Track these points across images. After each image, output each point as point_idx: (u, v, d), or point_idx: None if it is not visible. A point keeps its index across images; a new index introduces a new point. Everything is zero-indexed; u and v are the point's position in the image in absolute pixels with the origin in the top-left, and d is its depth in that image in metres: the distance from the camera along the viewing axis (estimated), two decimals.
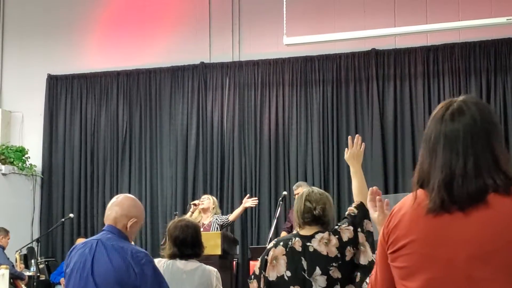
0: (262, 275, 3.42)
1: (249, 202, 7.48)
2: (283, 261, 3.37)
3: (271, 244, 3.50)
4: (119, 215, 3.41)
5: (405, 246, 1.79)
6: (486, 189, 1.72)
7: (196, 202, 7.37)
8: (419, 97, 8.97)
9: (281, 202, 7.80)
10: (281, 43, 8.77)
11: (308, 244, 3.35)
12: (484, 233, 1.70)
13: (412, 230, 1.78)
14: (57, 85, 10.53)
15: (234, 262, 8.25)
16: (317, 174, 9.11)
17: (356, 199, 3.54)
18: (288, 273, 3.34)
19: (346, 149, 3.67)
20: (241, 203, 9.26)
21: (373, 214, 2.31)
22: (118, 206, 3.45)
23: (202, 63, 9.86)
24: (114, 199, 3.52)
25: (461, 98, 1.86)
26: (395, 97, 9.06)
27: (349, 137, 3.68)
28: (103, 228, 3.46)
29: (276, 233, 8.84)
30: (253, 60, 9.66)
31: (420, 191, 1.81)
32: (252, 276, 3.49)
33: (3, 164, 9.85)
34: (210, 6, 10.04)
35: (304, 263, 3.32)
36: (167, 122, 9.95)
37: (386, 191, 8.64)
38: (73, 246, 3.53)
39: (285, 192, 8.30)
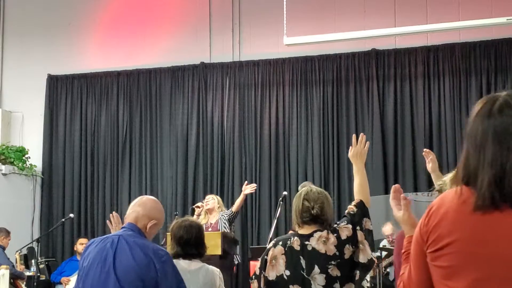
0: (262, 275, 3.42)
1: (248, 188, 7.47)
2: (282, 260, 3.37)
3: (271, 244, 3.52)
4: (141, 215, 3.45)
5: (449, 244, 1.73)
6: None
7: (198, 204, 7.38)
8: (419, 97, 8.97)
9: (281, 202, 7.79)
10: (281, 43, 8.76)
11: (306, 243, 3.35)
12: None
13: (457, 228, 1.73)
14: (57, 85, 10.53)
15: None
16: (317, 174, 9.11)
17: (356, 197, 3.54)
18: (288, 272, 3.34)
19: (350, 147, 3.67)
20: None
21: (397, 212, 2.23)
22: (141, 207, 3.49)
23: (202, 63, 9.85)
24: (137, 200, 3.58)
25: (504, 92, 1.82)
26: (395, 97, 9.06)
27: (353, 135, 3.68)
28: (123, 226, 3.50)
29: (277, 233, 8.83)
30: (253, 60, 9.66)
31: (464, 188, 1.75)
32: (253, 277, 3.50)
33: (3, 164, 9.85)
34: (210, 6, 10.04)
35: (303, 262, 3.32)
36: (167, 122, 9.95)
37: (386, 191, 8.64)
38: (90, 241, 3.55)
39: (285, 192, 8.29)
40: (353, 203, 3.51)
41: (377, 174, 8.85)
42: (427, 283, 1.83)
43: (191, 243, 4.02)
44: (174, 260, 4.02)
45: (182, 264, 4.02)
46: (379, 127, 8.98)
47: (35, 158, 10.22)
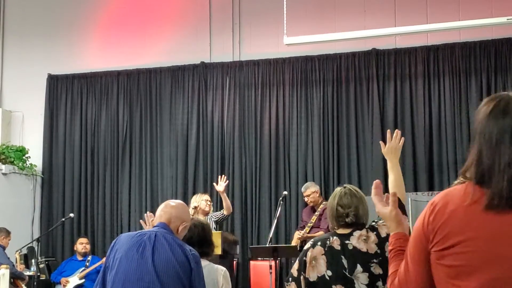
0: (302, 277, 3.38)
1: (221, 186, 7.39)
2: (322, 260, 3.34)
3: (308, 245, 3.47)
4: (174, 217, 3.54)
5: (460, 243, 1.71)
6: None
7: (196, 205, 7.38)
8: (419, 97, 8.97)
9: (281, 202, 7.81)
10: (281, 43, 8.76)
11: (347, 242, 3.33)
12: None
13: (469, 227, 1.71)
14: (57, 85, 10.53)
15: (235, 262, 8.26)
16: (317, 173, 9.11)
17: None
18: (329, 273, 3.31)
19: (381, 142, 3.63)
20: (241, 202, 9.29)
21: (382, 208, 2.17)
22: (174, 209, 3.58)
23: (203, 62, 9.85)
24: (167, 202, 3.67)
25: (505, 92, 1.81)
26: (395, 97, 9.06)
27: (388, 130, 3.62)
28: (156, 225, 3.55)
29: (277, 233, 8.85)
30: (254, 60, 9.66)
31: (472, 187, 1.74)
32: (290, 279, 3.45)
33: (4, 163, 9.85)
34: (210, 5, 10.04)
35: (345, 261, 3.30)
36: (167, 122, 9.95)
37: (386, 191, 8.61)
38: (118, 237, 3.59)
39: (285, 192, 8.31)
40: None
41: (377, 174, 8.82)
42: (426, 281, 1.82)
43: (194, 242, 4.01)
44: None
45: None
46: (379, 127, 8.97)
47: (35, 157, 10.23)
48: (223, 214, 7.34)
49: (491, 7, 8.77)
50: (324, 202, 7.82)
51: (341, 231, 3.40)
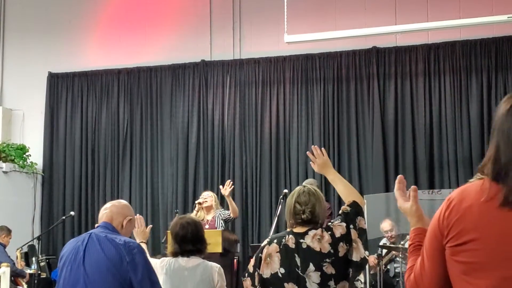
0: (256, 273, 3.44)
1: (227, 190, 7.31)
2: (277, 258, 3.38)
3: (265, 242, 3.52)
4: (115, 213, 3.56)
5: (473, 240, 1.70)
6: None
7: (200, 201, 7.35)
8: (420, 95, 8.97)
9: (281, 200, 7.79)
10: (282, 41, 8.77)
11: (301, 240, 3.36)
12: None
13: (483, 224, 1.69)
14: (58, 83, 10.53)
15: (235, 260, 8.26)
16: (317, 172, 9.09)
17: (349, 199, 3.54)
18: (282, 270, 3.35)
19: (311, 162, 3.67)
20: (242, 200, 9.29)
21: (403, 204, 2.14)
22: (114, 207, 3.61)
23: (203, 61, 9.85)
24: (107, 204, 3.69)
25: None
26: (396, 95, 9.06)
27: (308, 152, 3.68)
28: (98, 224, 3.58)
29: (277, 231, 8.82)
30: (254, 58, 9.65)
31: (491, 183, 1.71)
32: (246, 274, 3.52)
33: (4, 162, 9.86)
34: (211, 4, 10.04)
35: (298, 259, 3.33)
36: (168, 120, 9.95)
37: (387, 189, 8.64)
38: (68, 242, 3.64)
39: (285, 190, 8.26)
40: (347, 203, 3.52)
41: (378, 172, 8.85)
42: (442, 277, 1.81)
43: (187, 240, 4.03)
44: (174, 259, 4.04)
45: (180, 262, 4.02)
46: (379, 125, 8.98)
47: (36, 156, 10.23)
48: (229, 215, 7.31)
49: (491, 5, 8.77)
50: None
51: (297, 229, 3.43)
